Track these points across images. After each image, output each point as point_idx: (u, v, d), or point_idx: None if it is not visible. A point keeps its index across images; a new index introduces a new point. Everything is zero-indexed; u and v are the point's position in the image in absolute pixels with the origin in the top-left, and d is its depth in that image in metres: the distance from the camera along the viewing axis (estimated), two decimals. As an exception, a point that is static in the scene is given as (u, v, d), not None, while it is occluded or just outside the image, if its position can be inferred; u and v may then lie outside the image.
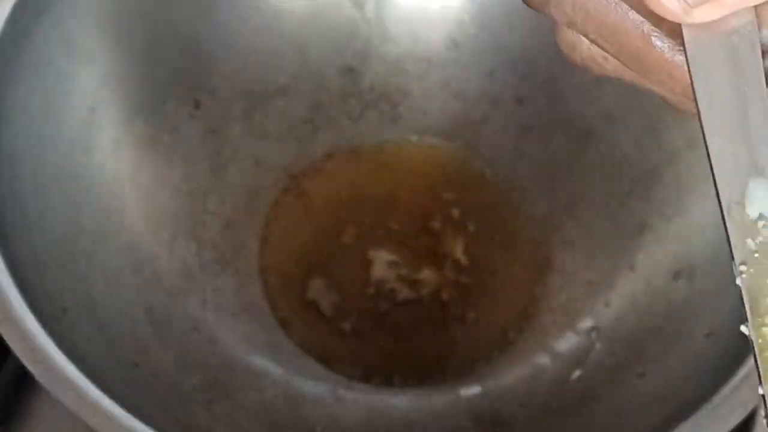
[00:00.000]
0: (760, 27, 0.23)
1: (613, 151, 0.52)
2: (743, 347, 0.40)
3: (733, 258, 0.22)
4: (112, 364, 0.42)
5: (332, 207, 0.54)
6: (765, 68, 0.23)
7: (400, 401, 0.49)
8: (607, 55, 0.25)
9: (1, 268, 0.39)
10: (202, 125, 0.53)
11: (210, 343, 0.49)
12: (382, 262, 0.53)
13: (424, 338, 0.51)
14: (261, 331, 0.51)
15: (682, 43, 0.23)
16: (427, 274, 0.53)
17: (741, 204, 0.22)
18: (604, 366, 0.48)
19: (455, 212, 0.54)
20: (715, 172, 0.22)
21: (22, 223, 0.42)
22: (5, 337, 0.38)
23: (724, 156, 0.22)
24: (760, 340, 0.21)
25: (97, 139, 0.48)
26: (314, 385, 0.49)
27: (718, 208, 0.22)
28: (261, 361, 0.49)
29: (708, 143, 0.22)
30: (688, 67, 0.23)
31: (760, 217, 0.22)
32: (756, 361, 0.21)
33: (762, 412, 0.22)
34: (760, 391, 0.21)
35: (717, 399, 0.38)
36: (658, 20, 0.23)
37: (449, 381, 0.50)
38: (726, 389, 0.39)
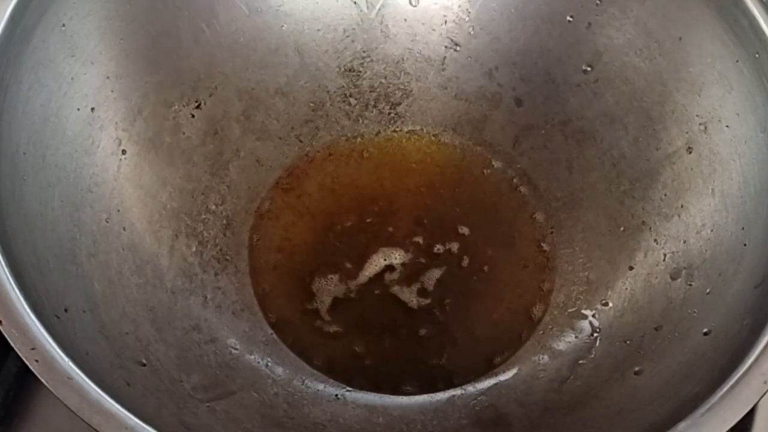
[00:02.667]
0: None
1: (612, 151, 0.53)
2: (742, 346, 0.40)
3: None
4: (113, 364, 0.42)
5: (332, 206, 0.55)
6: None
7: (400, 400, 0.50)
8: None
9: (3, 268, 0.39)
10: (203, 125, 0.53)
11: (211, 342, 0.49)
12: (383, 263, 0.53)
13: (423, 339, 0.51)
14: (261, 330, 0.51)
15: None
16: (426, 275, 0.53)
17: None
18: (603, 365, 0.48)
19: (455, 212, 0.54)
20: None
21: (24, 223, 0.42)
22: (7, 337, 0.38)
23: None
24: None
25: (98, 139, 0.48)
26: (314, 384, 0.49)
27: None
28: (262, 360, 0.49)
29: None
30: None
31: None
32: None
33: None
34: None
35: (716, 397, 0.38)
36: None
37: (449, 381, 0.50)
38: (725, 388, 0.39)
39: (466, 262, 0.53)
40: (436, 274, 0.53)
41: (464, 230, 0.54)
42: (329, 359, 0.50)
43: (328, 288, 0.52)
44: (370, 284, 0.52)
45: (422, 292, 0.52)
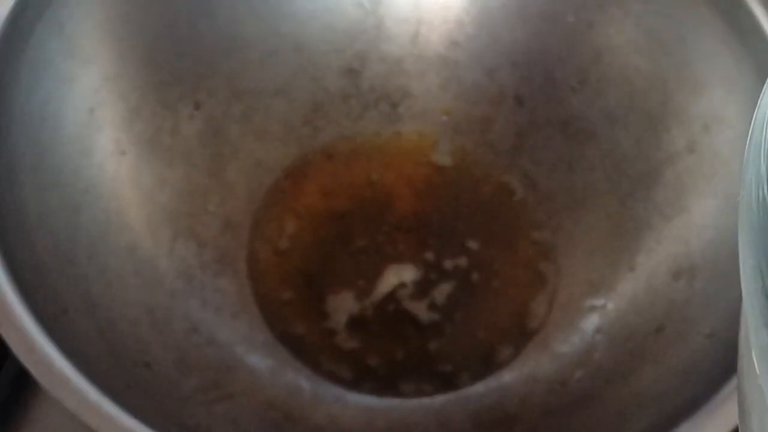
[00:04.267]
0: None
1: (613, 152, 0.52)
2: (744, 348, 0.40)
3: None
4: (112, 365, 0.42)
5: (332, 208, 0.54)
6: None
7: (400, 403, 0.49)
8: None
9: (1, 269, 0.38)
10: (202, 126, 0.53)
11: (210, 344, 0.49)
12: (382, 265, 0.53)
13: (423, 341, 0.51)
14: (261, 333, 0.51)
15: None
16: (426, 277, 0.53)
17: None
18: (604, 366, 0.48)
19: (455, 213, 0.54)
20: None
21: (22, 224, 0.42)
22: (5, 339, 0.38)
23: None
24: None
25: (97, 140, 0.48)
26: (314, 387, 0.49)
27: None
28: (261, 362, 0.49)
29: None
30: None
31: None
32: None
33: None
34: None
35: (717, 399, 0.38)
36: None
37: (450, 383, 0.50)
38: (726, 389, 0.38)
39: (465, 263, 0.53)
40: (434, 276, 0.53)
41: (463, 231, 0.54)
42: (336, 368, 0.50)
43: (326, 292, 0.52)
44: (367, 287, 0.52)
45: (418, 295, 0.52)
